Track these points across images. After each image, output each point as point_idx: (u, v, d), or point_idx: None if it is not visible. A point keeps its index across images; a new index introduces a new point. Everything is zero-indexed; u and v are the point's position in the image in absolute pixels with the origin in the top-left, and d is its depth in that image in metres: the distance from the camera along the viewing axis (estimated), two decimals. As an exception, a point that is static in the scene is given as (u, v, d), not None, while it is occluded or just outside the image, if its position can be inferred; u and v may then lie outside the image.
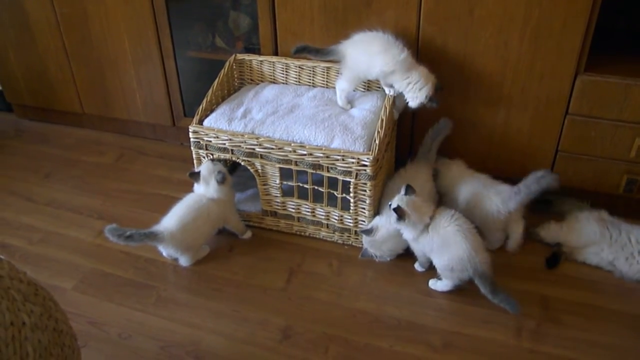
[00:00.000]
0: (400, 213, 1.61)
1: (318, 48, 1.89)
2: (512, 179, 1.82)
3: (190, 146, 1.89)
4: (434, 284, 1.72)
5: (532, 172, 1.72)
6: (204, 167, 1.84)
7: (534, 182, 1.70)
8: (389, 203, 1.66)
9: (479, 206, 1.79)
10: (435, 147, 1.92)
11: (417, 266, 1.78)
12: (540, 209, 1.96)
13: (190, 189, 1.88)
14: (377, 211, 1.80)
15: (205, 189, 1.84)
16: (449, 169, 1.94)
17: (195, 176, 1.85)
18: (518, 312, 1.55)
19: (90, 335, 1.60)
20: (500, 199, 1.76)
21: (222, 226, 1.90)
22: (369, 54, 1.78)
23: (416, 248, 1.71)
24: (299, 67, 2.05)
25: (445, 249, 1.61)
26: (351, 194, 1.76)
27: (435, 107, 1.79)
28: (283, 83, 2.11)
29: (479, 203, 1.80)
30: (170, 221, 1.77)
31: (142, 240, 1.72)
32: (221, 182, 1.82)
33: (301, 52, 1.91)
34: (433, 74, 1.79)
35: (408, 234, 1.66)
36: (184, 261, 1.83)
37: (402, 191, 1.66)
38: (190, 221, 1.77)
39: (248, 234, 1.96)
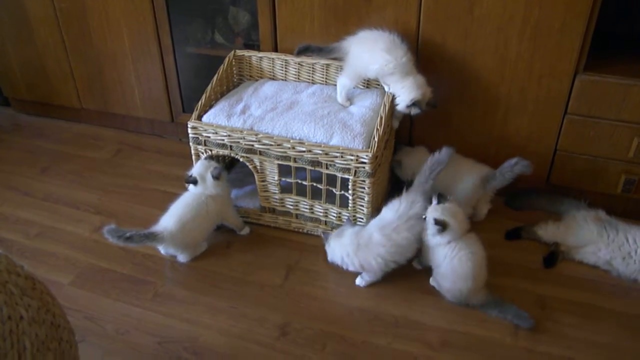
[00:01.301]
0: (443, 224, 1.56)
1: (321, 46, 1.88)
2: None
3: (188, 142, 1.88)
4: (433, 281, 1.72)
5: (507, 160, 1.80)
6: (199, 165, 1.84)
7: (508, 169, 1.79)
8: (423, 216, 1.61)
9: (459, 183, 1.87)
10: (433, 179, 1.72)
11: (415, 264, 1.78)
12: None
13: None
14: (374, 210, 1.79)
15: (202, 187, 1.83)
16: (412, 156, 1.97)
17: (192, 180, 1.82)
18: (532, 325, 1.55)
19: (87, 330, 1.60)
20: (480, 178, 1.85)
21: (220, 222, 1.90)
22: (372, 51, 1.77)
23: (427, 246, 1.66)
24: (299, 64, 2.05)
25: (452, 277, 1.61)
26: (350, 191, 1.76)
27: (418, 114, 1.79)
28: (282, 79, 2.10)
29: (459, 180, 1.88)
30: (169, 220, 1.77)
31: (141, 242, 1.72)
32: (217, 177, 1.81)
33: (304, 52, 1.90)
34: (431, 87, 1.79)
35: (434, 238, 1.60)
36: (182, 258, 1.83)
37: (435, 200, 1.61)
38: (189, 220, 1.77)
39: (246, 230, 1.95)
